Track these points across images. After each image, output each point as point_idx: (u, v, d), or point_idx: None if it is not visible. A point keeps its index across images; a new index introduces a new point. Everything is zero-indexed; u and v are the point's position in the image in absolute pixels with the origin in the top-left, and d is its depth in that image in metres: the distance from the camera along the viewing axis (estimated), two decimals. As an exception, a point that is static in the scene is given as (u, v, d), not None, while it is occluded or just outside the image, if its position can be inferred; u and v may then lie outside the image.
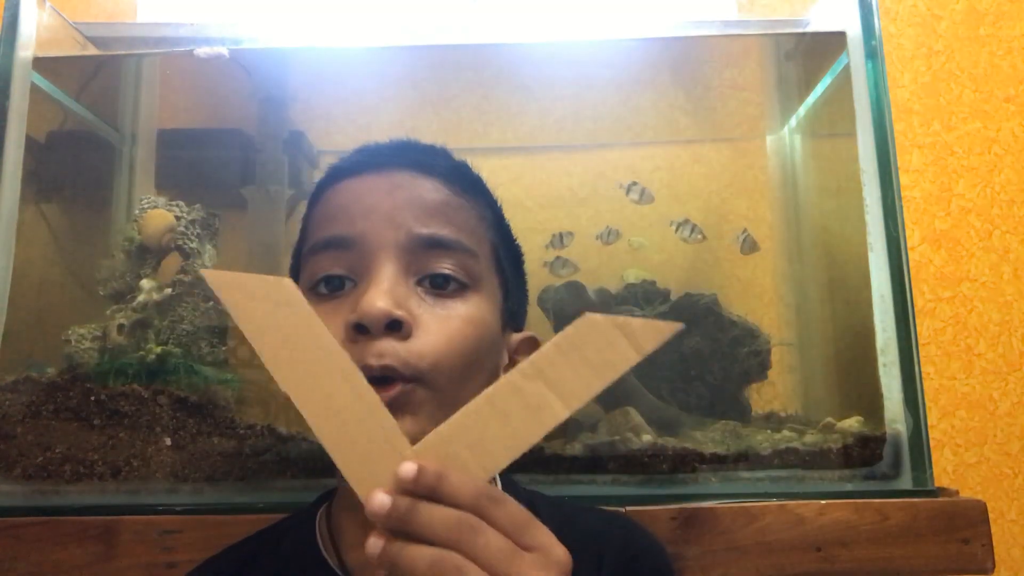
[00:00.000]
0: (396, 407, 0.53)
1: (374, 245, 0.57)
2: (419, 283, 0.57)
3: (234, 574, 0.62)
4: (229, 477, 0.78)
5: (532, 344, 0.66)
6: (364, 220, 0.58)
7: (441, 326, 0.55)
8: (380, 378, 0.53)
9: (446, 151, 0.66)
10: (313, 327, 0.43)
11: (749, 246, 1.05)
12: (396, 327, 0.53)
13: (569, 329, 0.43)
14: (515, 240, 0.68)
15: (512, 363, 0.64)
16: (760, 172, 1.21)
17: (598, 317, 0.43)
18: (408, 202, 0.58)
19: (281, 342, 0.43)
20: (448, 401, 0.55)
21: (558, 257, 1.06)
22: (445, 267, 0.57)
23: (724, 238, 1.13)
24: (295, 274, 0.64)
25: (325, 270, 0.58)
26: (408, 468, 0.41)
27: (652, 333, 0.43)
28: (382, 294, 0.54)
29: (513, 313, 0.65)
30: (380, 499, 0.40)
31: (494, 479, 0.65)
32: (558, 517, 0.64)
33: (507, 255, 0.65)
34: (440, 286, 0.57)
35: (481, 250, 0.61)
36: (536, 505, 0.64)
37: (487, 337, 0.59)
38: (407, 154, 0.62)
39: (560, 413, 0.43)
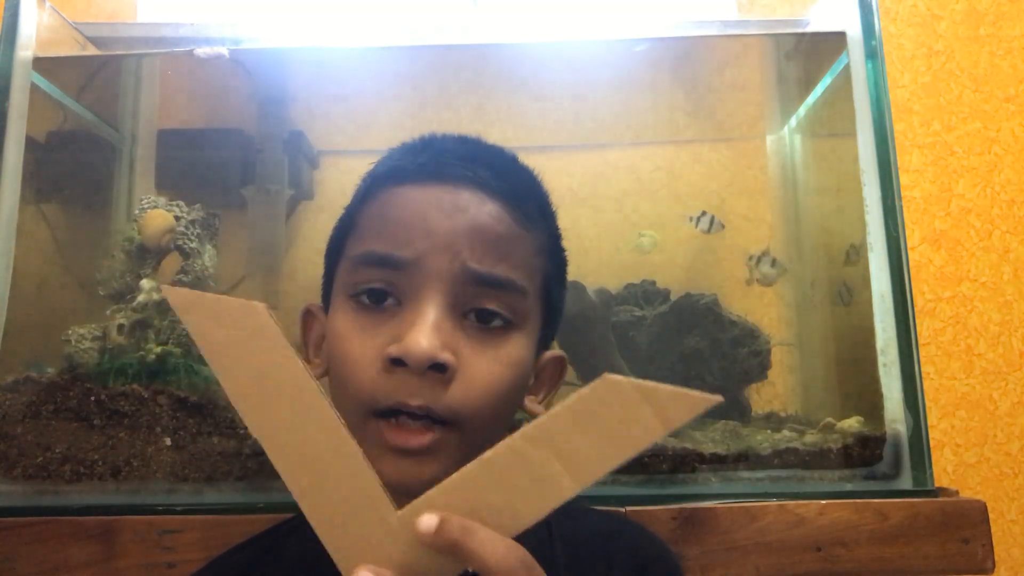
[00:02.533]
0: (427, 451, 0.52)
1: (427, 273, 0.55)
2: (464, 315, 0.56)
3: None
4: (229, 477, 0.78)
5: (559, 364, 0.65)
6: (420, 243, 0.55)
7: (482, 370, 0.54)
8: (413, 415, 0.52)
9: (515, 162, 0.64)
10: (288, 362, 0.38)
11: (717, 228, 1.04)
12: (440, 369, 0.52)
13: (586, 392, 0.37)
14: (566, 261, 0.67)
15: (536, 381, 0.64)
16: (760, 172, 1.21)
17: (621, 381, 0.37)
18: (468, 230, 0.56)
19: (251, 377, 0.38)
20: (474, 442, 0.54)
21: (765, 254, 1.03)
22: (493, 304, 0.56)
23: (724, 239, 1.13)
24: (332, 259, 0.62)
25: (370, 282, 0.56)
26: (429, 521, 0.37)
27: (683, 405, 0.36)
28: (428, 333, 0.52)
29: (546, 338, 0.64)
30: None
31: None
32: (565, 518, 0.64)
33: (557, 282, 0.64)
34: (485, 320, 0.56)
35: (532, 286, 0.59)
36: None
37: (523, 376, 0.58)
38: (476, 169, 0.59)
39: (568, 489, 0.37)
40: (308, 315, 0.65)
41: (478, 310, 0.56)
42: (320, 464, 0.38)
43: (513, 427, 0.83)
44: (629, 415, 0.37)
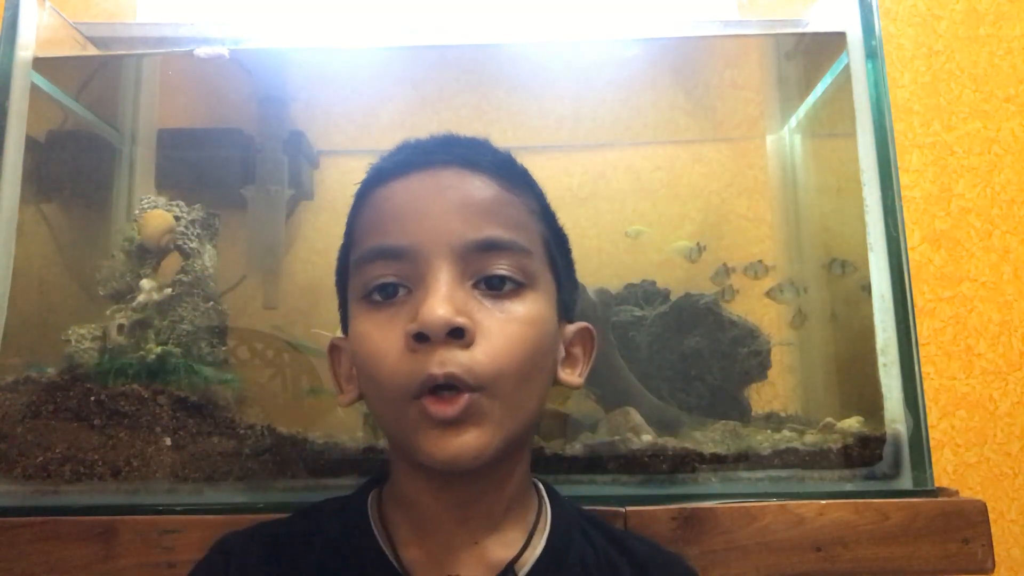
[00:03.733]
0: (463, 419, 0.52)
1: (427, 254, 0.56)
2: (475, 286, 0.56)
3: (280, 550, 0.61)
4: (229, 477, 0.78)
5: (586, 335, 0.65)
6: (415, 228, 0.56)
7: (502, 330, 0.55)
8: (445, 386, 0.52)
9: (489, 144, 0.64)
10: None
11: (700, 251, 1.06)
12: (458, 334, 0.53)
13: None
14: (562, 229, 0.67)
15: (568, 355, 0.64)
16: (760, 172, 1.21)
17: None
18: (458, 204, 0.57)
19: None
20: (511, 406, 0.55)
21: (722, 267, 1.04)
22: (501, 268, 0.56)
23: (723, 239, 1.13)
24: (342, 277, 0.63)
25: (378, 278, 0.57)
26: None
27: None
28: (442, 301, 0.53)
29: (566, 305, 0.64)
30: None
31: (537, 487, 0.65)
32: (610, 540, 0.63)
33: (557, 246, 0.64)
34: (496, 287, 0.56)
35: (534, 246, 0.60)
36: (584, 525, 0.64)
37: (546, 336, 0.58)
38: (452, 149, 0.60)
39: None
40: (334, 349, 0.65)
41: (487, 278, 0.56)
42: None
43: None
44: None
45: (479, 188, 0.59)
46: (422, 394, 0.53)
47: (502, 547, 0.58)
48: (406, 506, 0.60)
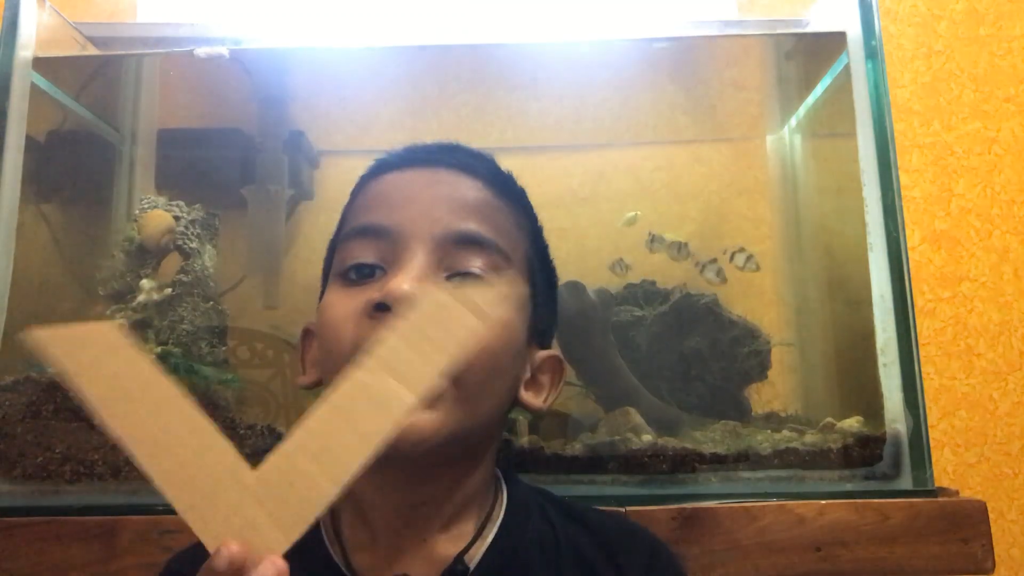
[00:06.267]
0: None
1: (408, 236, 0.57)
2: (448, 279, 0.57)
3: None
4: (229, 477, 0.78)
5: (556, 363, 0.65)
6: (401, 210, 0.58)
7: None
8: None
9: (492, 158, 0.66)
10: (141, 367, 0.41)
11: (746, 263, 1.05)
12: None
13: (408, 312, 0.42)
14: (551, 260, 0.68)
15: (534, 380, 0.63)
16: (760, 172, 1.21)
17: (436, 292, 0.43)
18: (447, 197, 0.59)
19: (111, 389, 0.41)
20: (470, 400, 0.54)
21: (712, 261, 1.04)
22: (476, 265, 0.57)
23: (723, 239, 1.13)
24: (329, 264, 0.64)
25: (356, 257, 0.58)
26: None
27: (490, 297, 0.42)
28: (410, 279, 0.54)
29: (540, 330, 0.64)
30: (226, 555, 0.38)
31: (497, 478, 0.64)
32: (569, 520, 0.63)
33: (541, 269, 0.65)
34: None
35: (514, 255, 0.60)
36: (544, 506, 0.63)
37: (512, 342, 0.58)
38: (453, 154, 0.63)
39: (409, 401, 0.41)
40: (307, 334, 0.65)
41: (461, 274, 0.57)
42: (178, 445, 0.41)
43: (511, 427, 0.83)
44: (449, 319, 0.42)
45: (471, 188, 0.60)
46: None
47: (452, 541, 0.57)
48: (357, 509, 0.59)
